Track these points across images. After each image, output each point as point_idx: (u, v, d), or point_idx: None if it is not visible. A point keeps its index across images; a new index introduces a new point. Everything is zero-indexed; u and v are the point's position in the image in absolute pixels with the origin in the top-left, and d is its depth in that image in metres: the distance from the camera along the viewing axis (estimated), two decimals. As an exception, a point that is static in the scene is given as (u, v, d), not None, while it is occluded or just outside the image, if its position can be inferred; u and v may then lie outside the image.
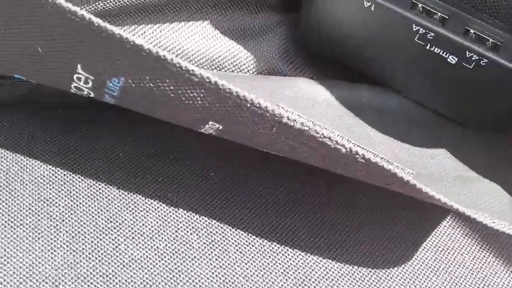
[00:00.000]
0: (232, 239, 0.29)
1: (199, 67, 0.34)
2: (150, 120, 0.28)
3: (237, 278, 0.28)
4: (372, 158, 0.24)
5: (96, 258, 0.27)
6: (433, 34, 0.30)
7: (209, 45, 0.34)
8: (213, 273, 0.28)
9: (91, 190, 0.28)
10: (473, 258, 0.31)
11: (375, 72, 0.35)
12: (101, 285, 0.26)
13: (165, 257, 0.28)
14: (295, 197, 0.31)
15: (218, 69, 0.34)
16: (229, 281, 0.28)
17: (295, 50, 0.36)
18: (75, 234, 0.27)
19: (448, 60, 0.31)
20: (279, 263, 0.29)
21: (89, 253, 0.27)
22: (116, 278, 0.26)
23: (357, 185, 0.30)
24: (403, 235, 0.31)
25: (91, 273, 0.26)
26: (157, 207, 0.29)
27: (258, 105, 0.23)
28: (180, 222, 0.29)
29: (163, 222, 0.28)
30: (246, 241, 0.29)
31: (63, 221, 0.27)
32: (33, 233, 0.27)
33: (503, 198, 0.31)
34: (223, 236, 0.29)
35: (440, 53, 0.31)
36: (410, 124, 0.35)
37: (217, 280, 0.27)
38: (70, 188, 0.28)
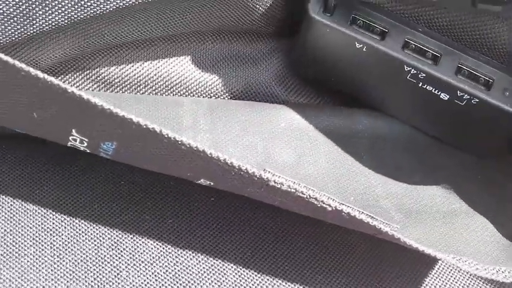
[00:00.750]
0: (231, 263, 0.29)
1: (195, 97, 0.35)
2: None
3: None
4: (357, 215, 0.25)
5: (98, 286, 0.27)
6: (424, 74, 0.31)
7: (206, 73, 0.34)
8: (212, 298, 0.28)
9: (93, 219, 0.29)
10: (469, 276, 0.31)
11: (367, 98, 0.35)
12: None
13: (165, 283, 0.28)
14: (292, 226, 0.31)
15: (216, 96, 0.35)
16: (229, 305, 0.28)
17: (292, 74, 0.36)
18: (78, 263, 0.28)
19: (441, 97, 0.31)
20: (277, 286, 0.29)
21: (92, 281, 0.27)
22: (118, 305, 0.27)
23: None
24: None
25: (94, 301, 0.27)
26: (158, 234, 0.29)
27: (245, 171, 0.24)
28: (180, 248, 0.29)
29: (163, 248, 0.29)
30: (245, 265, 0.29)
31: (66, 250, 0.28)
32: (37, 263, 0.27)
33: (492, 235, 0.31)
34: (222, 261, 0.29)
35: (433, 91, 0.31)
36: (408, 151, 0.35)
37: (216, 305, 0.28)
38: (72, 217, 0.29)
